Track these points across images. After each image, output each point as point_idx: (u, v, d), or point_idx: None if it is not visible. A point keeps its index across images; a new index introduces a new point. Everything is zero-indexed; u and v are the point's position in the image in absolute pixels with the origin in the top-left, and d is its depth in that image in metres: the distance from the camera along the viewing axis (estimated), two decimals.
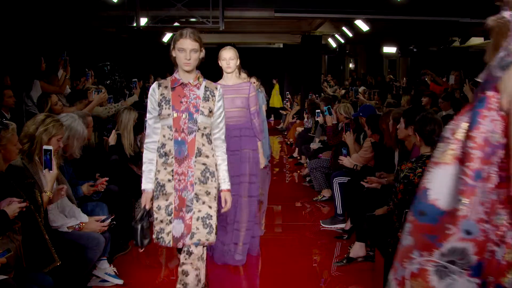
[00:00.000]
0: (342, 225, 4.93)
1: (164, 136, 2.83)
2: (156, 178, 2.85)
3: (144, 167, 2.88)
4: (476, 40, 12.34)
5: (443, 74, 8.64)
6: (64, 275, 2.77)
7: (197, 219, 2.82)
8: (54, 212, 3.17)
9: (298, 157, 8.61)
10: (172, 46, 2.83)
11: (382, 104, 7.38)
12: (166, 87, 2.85)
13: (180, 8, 8.02)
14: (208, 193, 2.84)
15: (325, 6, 8.53)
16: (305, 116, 8.99)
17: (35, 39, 6.92)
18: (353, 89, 8.65)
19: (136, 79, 6.57)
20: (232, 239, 3.94)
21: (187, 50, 2.75)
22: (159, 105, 2.82)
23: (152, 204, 2.89)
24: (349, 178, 4.84)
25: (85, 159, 3.87)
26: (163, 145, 2.82)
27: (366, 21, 9.13)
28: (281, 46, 15.83)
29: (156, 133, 2.85)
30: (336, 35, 11.92)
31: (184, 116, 2.80)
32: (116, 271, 3.59)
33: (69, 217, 3.28)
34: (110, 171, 4.04)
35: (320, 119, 7.20)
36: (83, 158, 3.77)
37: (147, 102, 2.92)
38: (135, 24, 8.15)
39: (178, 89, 2.84)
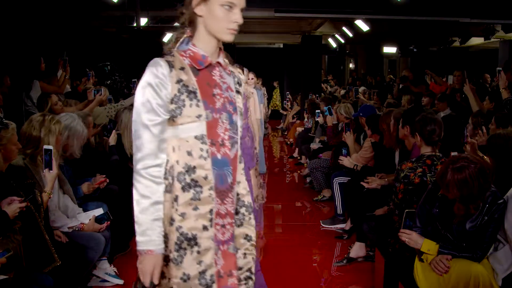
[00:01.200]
0: (342, 225, 4.93)
1: (189, 153, 1.68)
2: (180, 227, 1.68)
3: (145, 212, 1.65)
4: (476, 40, 12.33)
5: (443, 74, 8.65)
6: (64, 275, 2.77)
7: (239, 281, 1.81)
8: (56, 213, 3.18)
9: (298, 157, 8.61)
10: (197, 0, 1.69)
11: (382, 104, 7.39)
12: (182, 68, 1.69)
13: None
14: (249, 239, 1.85)
15: (325, 6, 8.53)
16: (305, 116, 9.00)
17: (35, 39, 6.92)
18: (353, 89, 8.66)
19: (136, 79, 6.56)
20: None
21: (237, 7, 1.73)
22: (176, 100, 1.66)
23: (165, 275, 1.70)
24: (349, 178, 4.85)
25: (85, 159, 3.87)
26: (190, 169, 1.68)
27: (366, 21, 9.13)
28: (281, 46, 15.85)
29: (163, 149, 1.69)
30: (336, 35, 11.92)
31: (224, 118, 1.73)
32: (116, 271, 3.59)
33: (70, 218, 3.29)
34: (110, 171, 4.03)
35: (320, 119, 7.21)
36: (83, 158, 3.77)
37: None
38: (135, 24, 8.16)
39: (204, 74, 1.72)
